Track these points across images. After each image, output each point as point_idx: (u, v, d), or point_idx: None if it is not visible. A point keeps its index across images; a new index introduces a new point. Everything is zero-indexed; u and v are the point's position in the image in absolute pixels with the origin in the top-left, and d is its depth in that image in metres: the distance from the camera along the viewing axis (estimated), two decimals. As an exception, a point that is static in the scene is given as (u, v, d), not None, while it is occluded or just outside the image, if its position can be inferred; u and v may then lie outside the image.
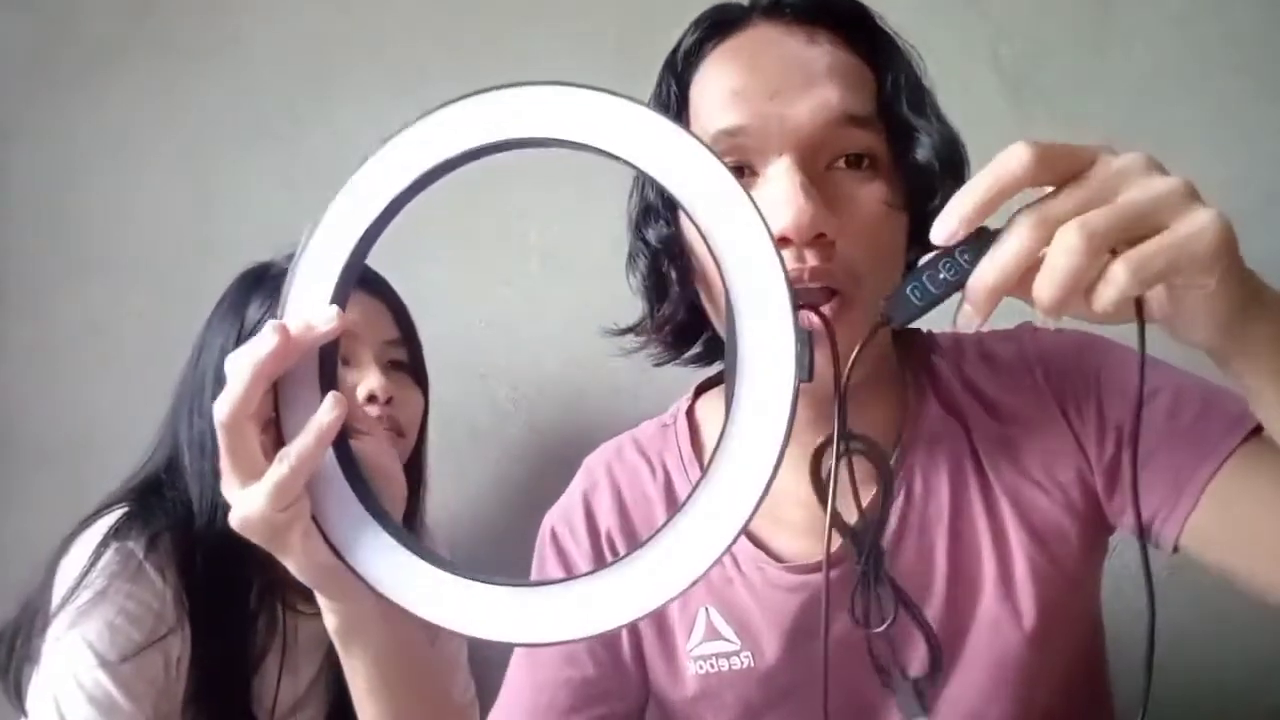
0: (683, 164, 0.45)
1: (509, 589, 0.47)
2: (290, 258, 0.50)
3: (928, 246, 0.67)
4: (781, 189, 0.56)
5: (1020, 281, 0.42)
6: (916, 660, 0.64)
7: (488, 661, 0.95)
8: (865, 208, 0.59)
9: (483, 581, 0.48)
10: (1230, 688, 1.03)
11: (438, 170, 0.48)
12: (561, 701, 0.71)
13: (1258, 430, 0.59)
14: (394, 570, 0.49)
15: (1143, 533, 0.50)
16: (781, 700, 0.68)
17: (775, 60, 0.60)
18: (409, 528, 0.96)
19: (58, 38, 1.39)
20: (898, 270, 0.62)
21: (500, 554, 0.85)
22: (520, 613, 0.47)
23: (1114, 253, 0.41)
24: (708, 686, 0.69)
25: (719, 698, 0.69)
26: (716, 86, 0.61)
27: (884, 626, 0.56)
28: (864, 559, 0.56)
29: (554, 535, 0.75)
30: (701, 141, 0.45)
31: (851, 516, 0.58)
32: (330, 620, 0.57)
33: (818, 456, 0.55)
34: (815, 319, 0.53)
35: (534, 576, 0.76)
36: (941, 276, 0.44)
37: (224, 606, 0.88)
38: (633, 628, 0.71)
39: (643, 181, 0.68)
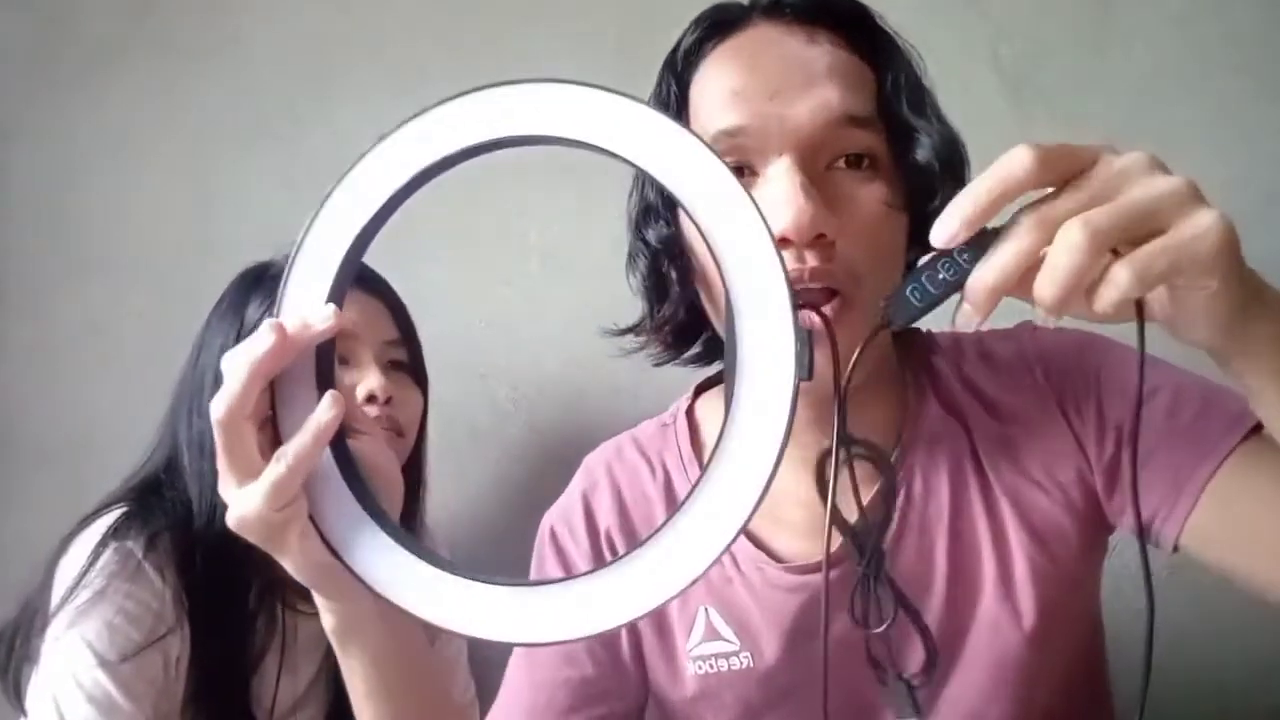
0: (683, 163, 0.45)
1: (507, 589, 0.47)
2: (289, 257, 0.50)
3: (928, 247, 0.67)
4: (781, 189, 0.56)
5: (1020, 281, 0.42)
6: (914, 661, 0.64)
7: (488, 661, 0.95)
8: (865, 208, 0.59)
9: (481, 581, 0.47)
10: (1230, 688, 1.03)
11: (436, 167, 0.48)
12: (560, 701, 0.71)
13: (1257, 429, 0.59)
14: (392, 570, 0.49)
15: (1142, 532, 0.50)
16: (781, 700, 0.68)
17: (775, 60, 0.60)
18: (408, 528, 0.96)
19: (58, 38, 1.39)
20: (898, 270, 0.62)
21: (500, 554, 0.85)
22: (519, 612, 0.47)
23: (1115, 253, 0.40)
24: (707, 686, 0.69)
25: (718, 698, 0.69)
26: (716, 86, 0.61)
27: (883, 628, 0.56)
28: (865, 560, 0.56)
29: (553, 535, 0.75)
30: (702, 140, 0.45)
31: (852, 516, 0.58)
32: (328, 620, 0.57)
33: (822, 461, 0.54)
34: (815, 319, 0.53)
35: (533, 576, 0.76)
36: (941, 277, 0.44)
37: (223, 606, 0.88)
38: (632, 627, 0.71)
39: (643, 181, 0.68)
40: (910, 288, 0.45)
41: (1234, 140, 1.02)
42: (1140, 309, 0.43)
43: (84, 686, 0.81)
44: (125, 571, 0.85)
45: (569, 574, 0.72)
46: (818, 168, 0.58)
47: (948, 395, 0.69)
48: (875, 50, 0.63)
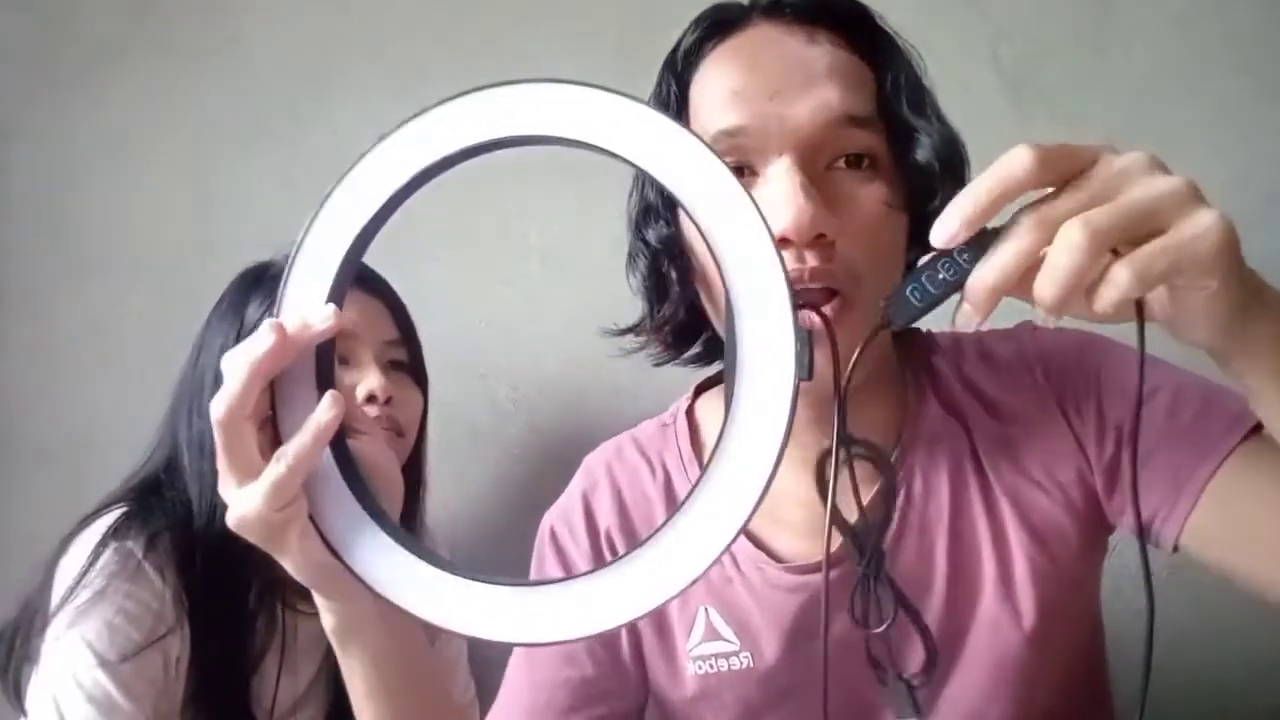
0: (683, 163, 0.45)
1: (507, 589, 0.47)
2: (289, 257, 0.50)
3: (928, 247, 0.67)
4: (781, 189, 0.56)
5: (1020, 281, 0.42)
6: (914, 661, 0.64)
7: (488, 661, 0.95)
8: (865, 208, 0.59)
9: (481, 581, 0.47)
10: (1230, 687, 1.03)
11: (435, 168, 0.48)
12: (560, 701, 0.71)
13: (1257, 428, 0.59)
14: (392, 570, 0.49)
15: (1142, 532, 0.50)
16: (781, 700, 0.68)
17: (775, 60, 0.60)
18: (408, 528, 0.96)
19: (58, 38, 1.39)
20: (898, 270, 0.62)
21: (500, 554, 0.85)
22: (519, 613, 0.47)
23: (1115, 253, 0.40)
24: (707, 687, 0.69)
25: (718, 698, 0.69)
26: (716, 86, 0.61)
27: (883, 628, 0.56)
28: (865, 560, 0.56)
29: (553, 535, 0.75)
30: (702, 140, 0.45)
31: (852, 516, 0.58)
32: (328, 620, 0.57)
33: (823, 462, 0.54)
34: (815, 319, 0.53)
35: (533, 576, 0.76)
36: (941, 277, 0.44)
37: (223, 606, 0.88)
38: (632, 627, 0.71)
39: (643, 181, 0.68)
40: (910, 288, 0.45)
41: (1234, 140, 1.02)
42: (1140, 309, 0.43)
43: (84, 686, 0.81)
44: (125, 571, 0.85)
45: (569, 574, 0.72)
46: (818, 168, 0.58)
47: (948, 395, 0.69)
48: (875, 50, 0.63)
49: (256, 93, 1.33)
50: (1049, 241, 0.40)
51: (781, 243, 0.55)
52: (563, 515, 0.75)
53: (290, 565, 0.51)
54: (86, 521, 0.89)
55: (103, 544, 0.85)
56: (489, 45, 1.23)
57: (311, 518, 0.50)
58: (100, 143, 1.37)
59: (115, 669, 0.82)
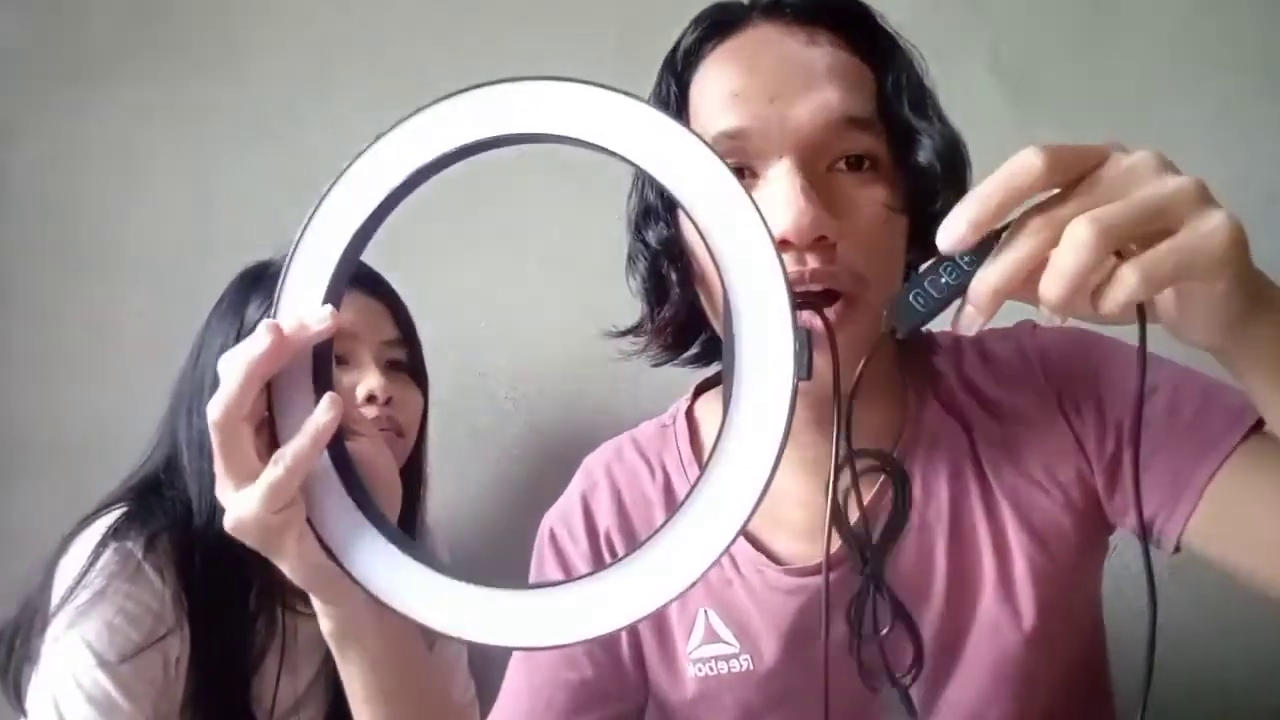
0: (683, 162, 0.45)
1: (505, 592, 0.47)
2: (287, 256, 0.50)
3: (928, 249, 0.67)
4: (782, 191, 0.56)
5: (1025, 282, 0.41)
6: (907, 663, 0.64)
7: (488, 661, 0.95)
8: (866, 210, 0.59)
9: (479, 585, 0.47)
10: (1232, 687, 1.03)
11: (433, 166, 0.48)
12: (560, 703, 0.71)
13: (1258, 425, 0.59)
14: (390, 574, 0.49)
15: (1145, 533, 0.50)
16: (780, 703, 0.68)
17: (775, 61, 0.60)
18: (408, 529, 0.96)
19: (58, 38, 1.39)
20: (899, 272, 0.62)
21: (500, 554, 0.85)
22: (517, 617, 0.47)
23: (1120, 255, 0.40)
24: (707, 689, 0.69)
25: (718, 700, 0.69)
26: (716, 88, 0.61)
27: (878, 635, 0.56)
28: (866, 569, 0.56)
29: (553, 536, 0.75)
30: (703, 140, 0.45)
31: (853, 516, 0.58)
32: (326, 624, 0.56)
33: (836, 476, 0.54)
34: (815, 320, 0.53)
35: (532, 577, 0.76)
36: (944, 281, 0.43)
37: (223, 607, 0.88)
38: (632, 630, 0.71)
39: (642, 182, 0.68)
40: (913, 293, 0.44)
41: (1234, 140, 1.02)
42: (1142, 311, 0.43)
43: (83, 687, 0.81)
44: (125, 572, 0.84)
45: (569, 575, 0.72)
46: (818, 170, 0.58)
47: (948, 396, 0.69)
48: (876, 51, 0.63)
49: (256, 93, 1.33)
50: (1055, 243, 0.40)
51: (782, 245, 0.55)
52: (562, 517, 0.75)
53: (287, 569, 0.51)
54: (86, 522, 0.89)
55: (102, 544, 0.85)
56: (489, 45, 1.23)
57: (309, 521, 0.50)
58: (101, 143, 1.37)
59: (115, 669, 0.82)
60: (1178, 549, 0.61)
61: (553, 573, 0.74)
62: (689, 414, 0.76)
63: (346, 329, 0.89)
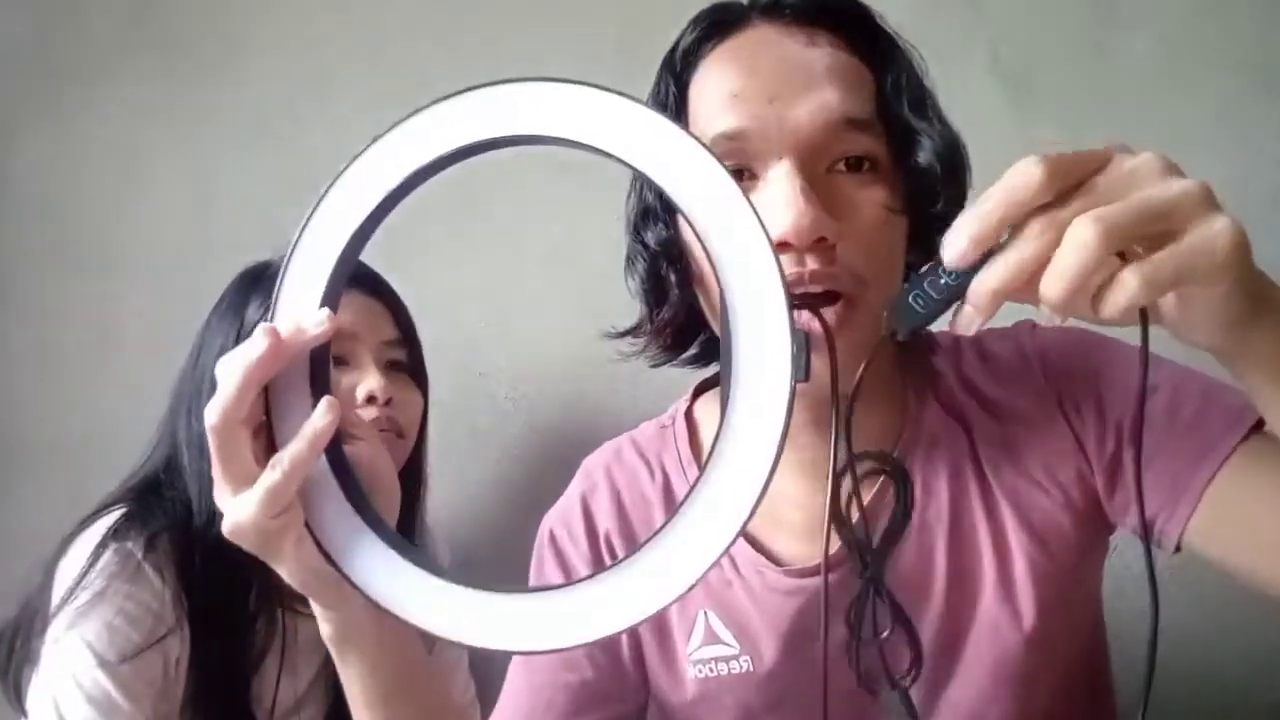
0: (681, 165, 0.45)
1: (504, 596, 0.47)
2: (284, 258, 0.50)
3: (928, 249, 0.67)
4: (782, 192, 0.56)
5: (1025, 283, 0.41)
6: (903, 669, 0.64)
7: (489, 662, 0.95)
8: (866, 212, 0.59)
9: (478, 589, 0.47)
10: (1232, 685, 1.03)
11: (430, 168, 0.48)
12: (560, 705, 0.71)
13: (1258, 425, 0.59)
14: (389, 578, 0.49)
15: (1148, 535, 0.50)
16: (780, 704, 0.68)
17: (775, 62, 0.60)
18: (408, 529, 0.96)
19: (58, 38, 1.39)
20: (899, 273, 0.62)
21: (500, 554, 0.85)
22: (517, 620, 0.46)
23: (1122, 257, 0.40)
24: (707, 690, 0.69)
25: (718, 701, 0.69)
26: (715, 88, 0.61)
27: (876, 639, 0.56)
28: (867, 572, 0.56)
29: (552, 538, 0.75)
30: (700, 141, 0.45)
31: (853, 518, 0.58)
32: (325, 628, 0.56)
33: (837, 479, 0.54)
34: (814, 322, 0.53)
35: (532, 579, 0.76)
36: (943, 282, 0.43)
37: (223, 607, 0.88)
38: (632, 631, 0.71)
39: (641, 183, 0.68)
40: (912, 294, 0.44)
41: (1234, 140, 1.02)
42: (1144, 315, 0.43)
43: (83, 687, 0.81)
44: (125, 572, 0.84)
45: (568, 576, 0.72)
46: (818, 171, 0.58)
47: (947, 396, 0.69)
48: (875, 51, 0.62)
49: (256, 93, 1.33)
50: (1057, 245, 0.39)
51: (782, 246, 0.55)
52: (562, 518, 0.75)
53: (286, 573, 0.51)
54: (86, 522, 0.89)
55: (102, 545, 0.85)
56: (489, 45, 1.23)
57: (308, 525, 0.50)
58: (101, 143, 1.37)
59: (115, 669, 0.82)
60: (1178, 549, 0.61)
61: (553, 574, 0.74)
62: (688, 415, 0.75)
63: (346, 329, 0.89)
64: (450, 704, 0.89)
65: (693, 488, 0.44)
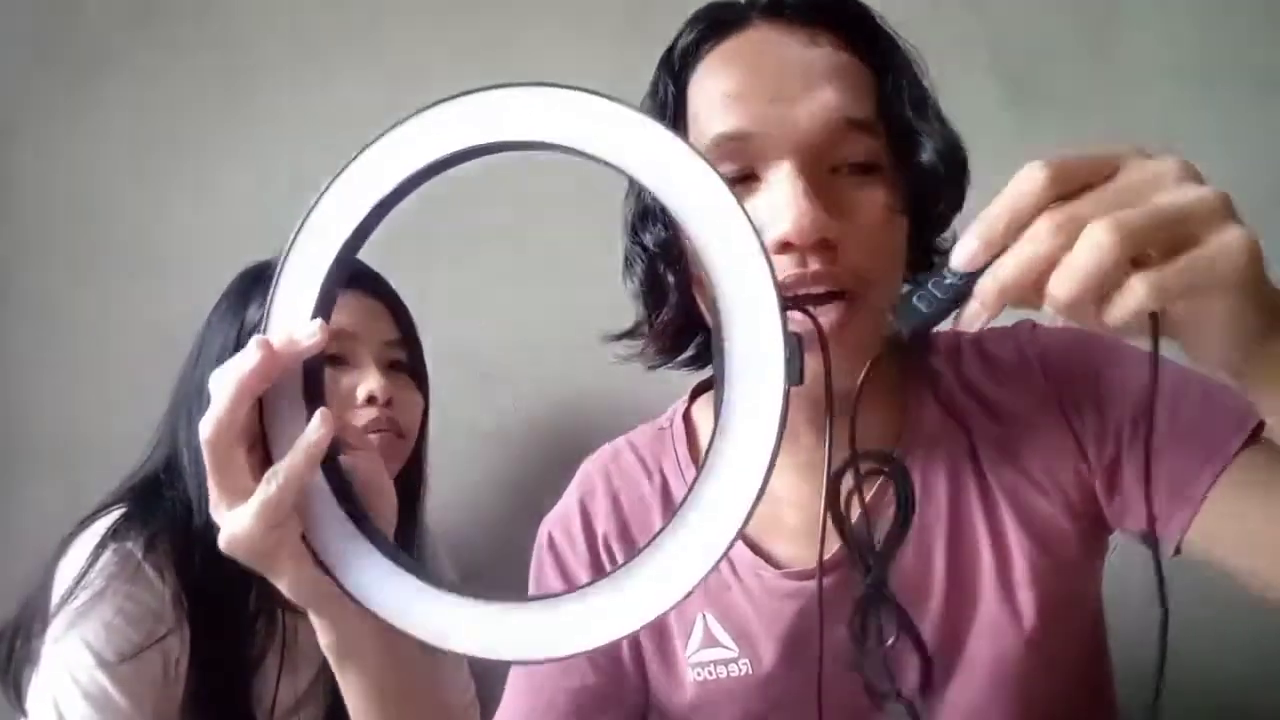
0: (673, 169, 0.44)
1: (503, 606, 0.47)
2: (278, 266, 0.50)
3: (928, 250, 0.67)
4: (784, 193, 0.56)
5: (1034, 282, 0.40)
6: (911, 675, 0.64)
7: (490, 663, 0.95)
8: (868, 212, 0.59)
9: (476, 599, 0.47)
10: (1232, 684, 1.03)
11: (423, 174, 0.48)
12: (561, 707, 0.71)
13: (1259, 427, 0.59)
14: (387, 589, 0.48)
15: (1154, 540, 0.49)
16: (780, 707, 0.67)
17: (775, 63, 0.60)
18: (407, 530, 0.96)
19: (59, 38, 1.39)
20: (900, 274, 0.62)
21: (500, 554, 0.85)
22: (516, 630, 0.46)
23: (1134, 263, 0.39)
24: (706, 693, 0.69)
25: (717, 704, 0.69)
26: (716, 89, 0.61)
27: (882, 646, 0.56)
28: (869, 577, 0.56)
29: (551, 541, 0.75)
30: (692, 146, 0.45)
31: (853, 517, 0.58)
32: (324, 639, 0.56)
33: (837, 479, 0.54)
34: (808, 323, 0.53)
35: (531, 582, 0.76)
36: (949, 282, 0.43)
37: (223, 607, 0.88)
38: (631, 635, 0.71)
39: (639, 185, 0.67)
40: (917, 294, 0.44)
41: (1234, 140, 1.02)
42: (1155, 320, 0.42)
43: (83, 687, 0.81)
44: (125, 572, 0.84)
45: (567, 580, 0.72)
46: (820, 171, 0.58)
47: (947, 397, 0.69)
48: (876, 52, 0.62)
49: (256, 92, 1.33)
50: (1070, 246, 0.39)
51: (784, 247, 0.55)
52: (560, 522, 0.75)
53: (284, 586, 0.51)
54: (86, 522, 0.89)
55: (102, 545, 0.85)
56: (491, 45, 1.23)
57: (304, 537, 0.49)
58: (101, 143, 1.37)
59: (114, 669, 0.82)
60: (1177, 552, 0.61)
61: (551, 578, 0.74)
62: (686, 416, 0.75)
63: (347, 329, 0.89)
64: (450, 708, 0.89)
65: (690, 490, 0.44)
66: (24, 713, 0.84)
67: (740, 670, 0.68)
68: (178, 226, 1.34)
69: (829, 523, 0.54)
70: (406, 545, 0.96)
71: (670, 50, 0.66)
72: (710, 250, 0.44)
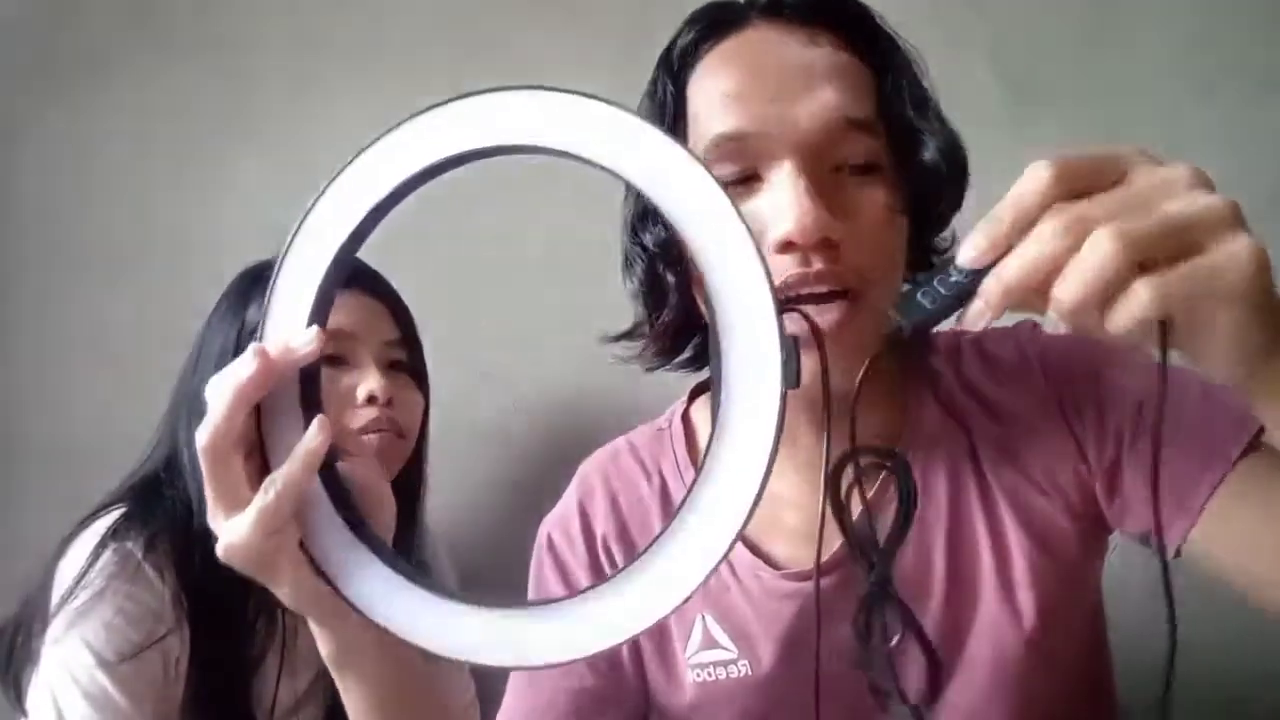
0: (668, 172, 0.44)
1: (503, 612, 0.47)
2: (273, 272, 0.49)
3: (928, 250, 0.67)
4: (786, 193, 0.56)
5: (1039, 284, 0.40)
6: (914, 676, 0.64)
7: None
8: (869, 212, 0.59)
9: (474, 605, 0.47)
10: (1242, 684, 1.03)
11: (418, 178, 0.48)
12: (561, 706, 0.71)
13: (1259, 432, 0.59)
14: (386, 596, 0.48)
15: (1159, 547, 0.49)
16: (779, 708, 0.67)
17: (775, 62, 0.60)
18: (407, 531, 0.96)
19: (59, 38, 1.39)
20: (900, 273, 0.62)
21: (500, 555, 0.85)
22: (516, 636, 0.46)
23: (1141, 270, 0.39)
24: (706, 694, 0.69)
25: (717, 705, 0.69)
26: (716, 89, 0.60)
27: (889, 645, 0.56)
28: (873, 575, 0.56)
29: (550, 543, 0.75)
30: (688, 150, 0.45)
31: (854, 514, 0.57)
32: (324, 646, 0.56)
33: (838, 473, 0.54)
34: (805, 325, 0.53)
35: (531, 584, 0.76)
36: (953, 280, 0.43)
37: (223, 607, 0.88)
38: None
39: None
40: (920, 291, 0.44)
41: (1234, 140, 1.02)
42: (1164, 328, 0.40)
43: (83, 686, 0.81)
44: (125, 572, 0.84)
45: (567, 582, 0.72)
46: (821, 170, 0.58)
47: (947, 396, 0.69)
48: (876, 51, 0.62)
49: (257, 92, 1.33)
50: (1077, 249, 0.38)
51: (787, 246, 0.55)
52: (560, 523, 0.75)
53: (283, 594, 0.51)
54: (86, 522, 0.89)
55: (102, 545, 0.85)
56: (491, 45, 1.23)
57: (303, 545, 0.49)
58: (101, 144, 1.37)
59: (114, 669, 0.82)
60: (1177, 554, 0.61)
61: (551, 580, 0.74)
62: (685, 417, 0.75)
63: (347, 329, 0.89)
64: (450, 710, 0.89)
65: (688, 493, 0.44)
66: (24, 712, 0.85)
67: (740, 671, 0.68)
68: (177, 227, 1.34)
69: (829, 521, 0.54)
70: (406, 546, 0.96)
71: (669, 50, 0.66)
72: (707, 254, 0.44)
